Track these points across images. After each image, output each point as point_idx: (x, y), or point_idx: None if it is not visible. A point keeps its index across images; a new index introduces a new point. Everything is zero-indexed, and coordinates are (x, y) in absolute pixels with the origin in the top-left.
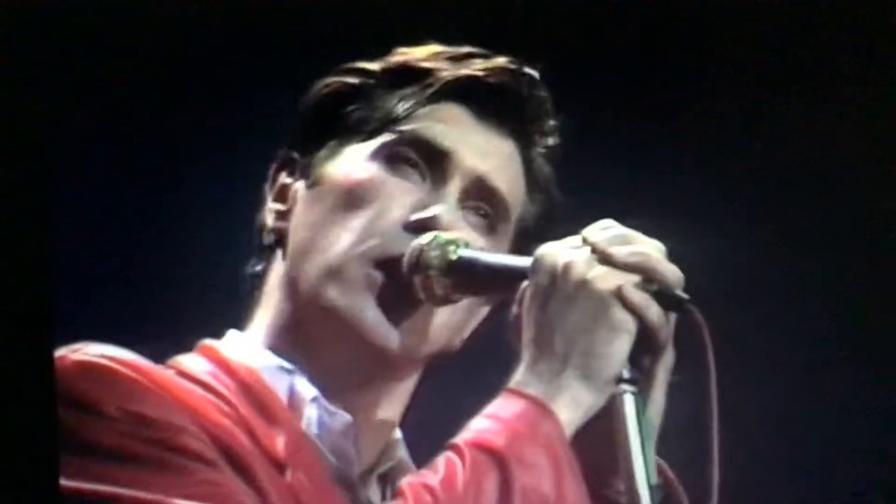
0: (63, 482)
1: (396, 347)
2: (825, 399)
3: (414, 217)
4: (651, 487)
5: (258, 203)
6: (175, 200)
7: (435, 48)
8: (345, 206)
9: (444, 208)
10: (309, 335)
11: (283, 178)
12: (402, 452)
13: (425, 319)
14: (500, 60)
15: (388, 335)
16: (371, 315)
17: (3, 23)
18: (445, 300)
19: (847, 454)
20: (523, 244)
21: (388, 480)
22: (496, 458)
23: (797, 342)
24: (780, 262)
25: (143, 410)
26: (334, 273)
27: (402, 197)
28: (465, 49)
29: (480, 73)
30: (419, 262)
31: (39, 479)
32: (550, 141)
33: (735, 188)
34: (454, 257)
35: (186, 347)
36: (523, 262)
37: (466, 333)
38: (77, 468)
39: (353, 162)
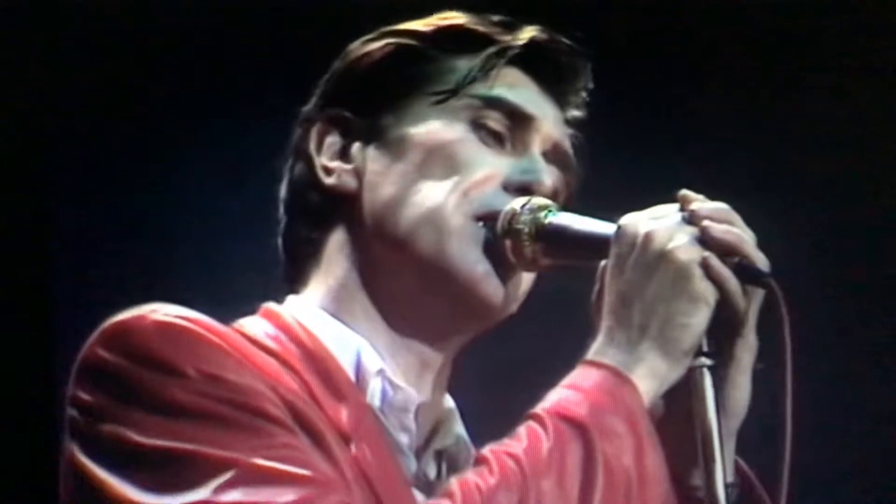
0: (140, 439)
1: (499, 304)
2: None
3: (518, 178)
4: (727, 486)
5: (274, 176)
6: (172, 191)
7: (466, 15)
8: (436, 164)
9: (546, 172)
10: (390, 291)
11: (337, 138)
12: (459, 428)
13: (515, 281)
14: (547, 30)
15: (497, 290)
16: (483, 268)
17: (3, 24)
18: (533, 265)
19: None
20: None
21: (443, 457)
22: (579, 427)
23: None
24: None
25: (222, 373)
26: (436, 224)
27: (494, 158)
28: (497, 17)
29: (544, 41)
30: (511, 225)
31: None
32: (581, 112)
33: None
34: (546, 222)
35: None
36: (610, 229)
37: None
38: (154, 427)
39: (435, 122)
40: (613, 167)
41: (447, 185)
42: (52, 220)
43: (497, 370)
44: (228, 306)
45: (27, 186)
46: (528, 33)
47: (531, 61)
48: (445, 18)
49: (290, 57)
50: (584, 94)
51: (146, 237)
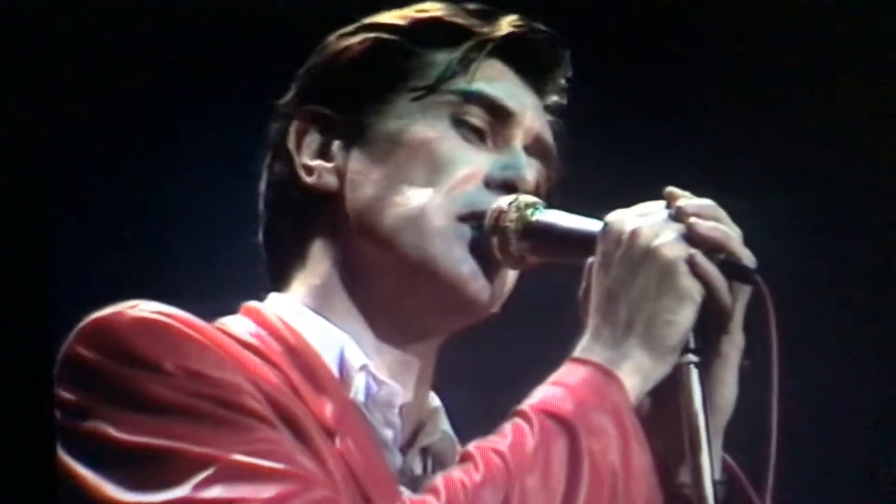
0: (120, 436)
1: (486, 302)
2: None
3: (500, 175)
4: (715, 483)
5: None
6: (169, 189)
7: (444, 5)
8: (418, 163)
9: (528, 167)
10: (374, 290)
11: (316, 135)
12: (445, 425)
13: (501, 279)
14: (525, 19)
15: (484, 288)
16: (468, 268)
17: (3, 24)
18: (520, 262)
19: None
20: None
21: (429, 453)
22: (564, 424)
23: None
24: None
25: (202, 368)
26: (419, 225)
27: (476, 155)
28: (474, 6)
29: (523, 31)
30: (497, 223)
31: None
32: (562, 98)
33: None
34: (533, 220)
35: None
36: (597, 226)
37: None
38: (134, 424)
39: (416, 120)
40: (611, 167)
41: (430, 184)
42: (52, 220)
43: (485, 369)
44: (228, 306)
45: (27, 186)
46: (506, 24)
47: (510, 52)
48: (422, 10)
49: (289, 57)
50: (563, 82)
51: (146, 237)
